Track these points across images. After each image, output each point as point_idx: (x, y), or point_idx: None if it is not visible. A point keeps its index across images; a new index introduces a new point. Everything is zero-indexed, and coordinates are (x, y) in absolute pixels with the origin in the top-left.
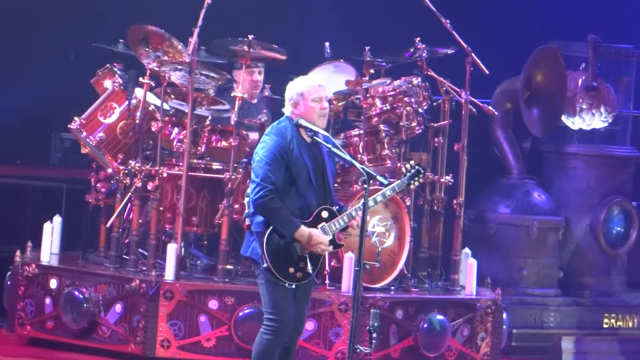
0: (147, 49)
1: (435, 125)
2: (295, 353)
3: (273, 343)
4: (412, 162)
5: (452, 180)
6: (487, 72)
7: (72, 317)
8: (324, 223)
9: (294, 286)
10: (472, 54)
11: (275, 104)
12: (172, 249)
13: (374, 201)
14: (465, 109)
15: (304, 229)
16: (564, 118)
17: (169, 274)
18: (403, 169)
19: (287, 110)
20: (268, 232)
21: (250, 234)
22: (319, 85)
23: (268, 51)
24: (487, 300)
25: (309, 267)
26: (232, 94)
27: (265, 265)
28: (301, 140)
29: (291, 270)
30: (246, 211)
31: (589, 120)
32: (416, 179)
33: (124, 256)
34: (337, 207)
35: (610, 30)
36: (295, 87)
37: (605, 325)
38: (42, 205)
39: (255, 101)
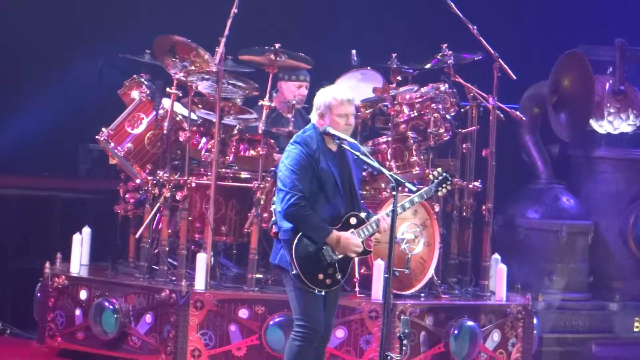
0: (174, 59)
1: (463, 131)
2: None
3: (304, 349)
4: (439, 169)
5: (480, 186)
6: (514, 77)
7: (102, 327)
8: (352, 229)
9: (323, 292)
10: (499, 60)
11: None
12: (201, 259)
13: (402, 208)
14: (492, 114)
15: (335, 234)
16: (591, 122)
17: (199, 283)
18: (430, 176)
19: (314, 117)
20: (297, 238)
21: (278, 242)
22: (348, 100)
23: (294, 60)
24: (518, 306)
25: (338, 273)
26: (259, 103)
27: (294, 272)
28: (326, 149)
29: (320, 276)
30: (273, 219)
31: (617, 124)
32: (444, 185)
33: (153, 266)
34: (365, 213)
35: (637, 34)
36: (323, 98)
37: (635, 330)
38: (71, 216)
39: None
